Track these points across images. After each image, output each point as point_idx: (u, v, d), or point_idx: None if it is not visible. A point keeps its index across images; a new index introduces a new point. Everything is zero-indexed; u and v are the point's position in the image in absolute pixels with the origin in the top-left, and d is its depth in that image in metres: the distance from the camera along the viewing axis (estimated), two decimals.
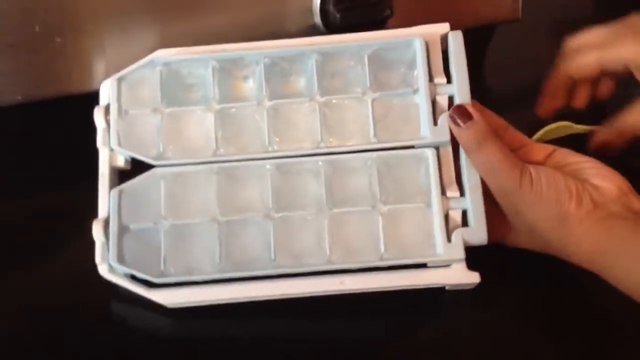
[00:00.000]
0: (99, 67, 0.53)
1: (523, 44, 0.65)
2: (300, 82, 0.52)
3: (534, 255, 0.51)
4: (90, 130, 0.52)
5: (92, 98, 0.52)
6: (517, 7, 0.61)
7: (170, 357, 0.49)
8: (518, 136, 0.52)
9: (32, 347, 0.49)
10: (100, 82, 0.51)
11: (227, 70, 0.52)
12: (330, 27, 0.53)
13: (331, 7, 0.53)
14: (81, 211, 0.52)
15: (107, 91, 0.52)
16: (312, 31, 0.50)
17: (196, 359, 0.49)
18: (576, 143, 0.53)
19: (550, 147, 0.51)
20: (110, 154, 0.51)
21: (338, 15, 0.52)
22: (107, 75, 0.52)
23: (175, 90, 0.52)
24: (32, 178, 0.56)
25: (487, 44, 0.65)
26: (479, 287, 0.49)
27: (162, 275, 0.48)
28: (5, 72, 0.51)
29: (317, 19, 0.54)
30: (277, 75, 0.52)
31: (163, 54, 0.52)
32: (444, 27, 0.52)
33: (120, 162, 0.51)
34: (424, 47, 0.51)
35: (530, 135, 0.55)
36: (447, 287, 0.50)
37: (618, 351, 0.50)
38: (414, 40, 0.51)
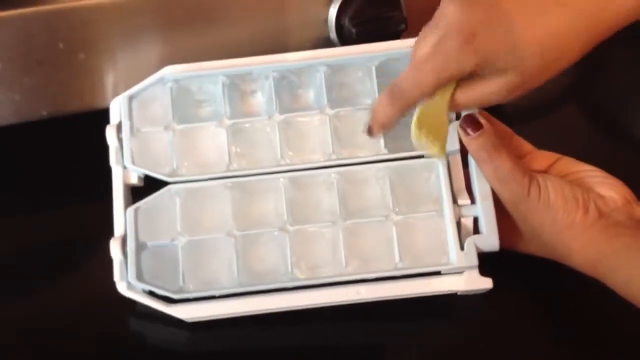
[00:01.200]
0: (116, 82, 0.53)
1: None
2: (310, 95, 0.53)
3: (543, 260, 0.52)
4: (100, 146, 0.52)
5: (103, 114, 0.53)
6: None
7: None
8: (523, 144, 0.53)
9: None
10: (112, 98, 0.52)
11: (236, 85, 0.53)
12: (346, 41, 0.53)
13: (346, 22, 0.54)
14: (94, 229, 0.53)
15: (117, 109, 0.52)
16: (327, 46, 0.51)
17: None
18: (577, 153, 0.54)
19: (554, 156, 0.52)
20: (123, 171, 0.51)
21: (354, 30, 0.53)
22: (117, 91, 0.53)
23: (185, 107, 0.52)
24: (45, 197, 0.57)
25: None
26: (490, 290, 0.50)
27: (181, 291, 0.48)
28: (32, 88, 0.52)
29: (333, 34, 0.55)
30: (286, 88, 0.52)
31: (172, 70, 0.52)
32: None
33: (134, 180, 0.51)
34: None
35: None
36: (459, 293, 0.51)
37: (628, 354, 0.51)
38: None
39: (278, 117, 0.51)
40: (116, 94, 0.52)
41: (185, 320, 0.49)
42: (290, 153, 0.51)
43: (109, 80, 0.53)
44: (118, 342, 0.51)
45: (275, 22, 0.54)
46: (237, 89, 0.53)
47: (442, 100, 0.47)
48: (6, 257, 0.54)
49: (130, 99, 0.52)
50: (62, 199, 0.56)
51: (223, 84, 0.52)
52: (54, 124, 0.54)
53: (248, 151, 0.51)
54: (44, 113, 0.53)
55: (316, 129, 0.52)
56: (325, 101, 0.52)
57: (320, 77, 0.52)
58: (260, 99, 0.53)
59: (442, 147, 0.49)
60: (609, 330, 0.52)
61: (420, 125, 0.47)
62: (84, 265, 0.54)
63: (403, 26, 0.54)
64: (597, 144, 0.58)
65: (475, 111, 0.50)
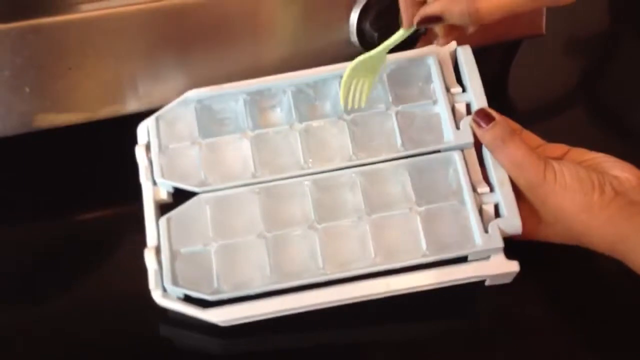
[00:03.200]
0: (146, 88, 0.56)
1: (546, 59, 0.69)
2: (326, 106, 0.56)
3: (562, 250, 0.53)
4: (127, 153, 0.55)
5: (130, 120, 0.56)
6: (541, 23, 0.64)
7: None
8: (533, 138, 0.55)
9: None
10: (141, 104, 0.55)
11: (256, 102, 0.55)
12: (367, 45, 0.55)
13: (367, 26, 0.56)
14: (122, 240, 0.55)
15: (144, 130, 0.55)
16: (349, 51, 0.53)
17: None
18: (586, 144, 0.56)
19: (565, 147, 0.54)
20: (153, 188, 0.53)
21: (375, 34, 0.54)
22: (143, 96, 0.56)
23: (209, 124, 0.55)
24: (71, 204, 0.58)
25: (512, 59, 0.69)
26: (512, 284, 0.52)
27: (217, 292, 0.49)
28: (62, 93, 0.54)
29: (354, 38, 0.57)
30: (303, 101, 0.55)
31: (195, 93, 0.55)
32: (452, 45, 0.56)
33: (163, 196, 0.53)
34: (437, 63, 0.55)
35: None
36: (487, 283, 0.52)
37: None
38: (428, 57, 0.55)
39: (298, 126, 0.54)
40: (142, 99, 0.55)
41: (220, 324, 0.50)
42: (311, 160, 0.53)
43: (137, 86, 0.56)
44: (146, 350, 0.52)
45: (298, 29, 0.57)
46: (257, 105, 0.55)
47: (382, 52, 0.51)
48: (25, 265, 0.55)
49: (158, 120, 0.55)
50: (88, 207, 0.58)
51: (244, 101, 0.55)
52: (82, 130, 0.56)
53: (272, 159, 0.54)
54: (74, 119, 0.55)
55: (335, 135, 0.54)
56: (342, 109, 0.54)
57: (335, 88, 0.55)
58: (279, 113, 0.56)
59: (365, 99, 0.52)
60: (629, 314, 0.53)
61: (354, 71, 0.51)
62: (112, 276, 0.55)
63: (422, 29, 0.56)
64: (605, 142, 0.60)
65: (485, 106, 0.53)
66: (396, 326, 0.53)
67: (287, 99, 0.55)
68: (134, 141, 0.55)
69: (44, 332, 0.52)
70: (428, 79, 0.55)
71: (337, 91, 0.55)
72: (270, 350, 0.52)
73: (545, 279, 0.55)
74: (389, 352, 0.52)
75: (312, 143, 0.54)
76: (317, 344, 0.52)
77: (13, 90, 0.53)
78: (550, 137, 0.56)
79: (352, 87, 0.53)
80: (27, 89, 0.53)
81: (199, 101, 0.55)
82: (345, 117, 0.54)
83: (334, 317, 0.51)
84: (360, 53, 0.53)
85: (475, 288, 0.52)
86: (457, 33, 0.52)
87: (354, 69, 0.52)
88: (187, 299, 0.51)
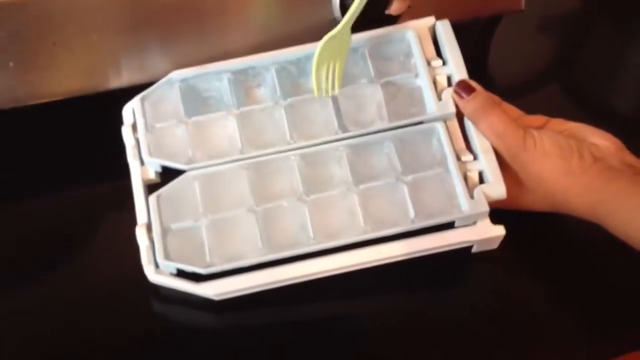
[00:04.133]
0: (130, 64, 0.56)
1: (525, 36, 0.71)
2: (310, 82, 0.56)
3: (546, 220, 0.54)
4: (115, 132, 0.55)
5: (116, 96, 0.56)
6: None
7: (216, 349, 0.51)
8: (513, 109, 0.57)
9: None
10: (124, 80, 0.55)
11: (240, 81, 0.56)
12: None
13: (350, 1, 0.55)
14: (110, 219, 0.56)
15: (130, 111, 0.55)
16: (334, 27, 0.53)
17: (242, 350, 0.51)
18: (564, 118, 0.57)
19: (544, 118, 0.56)
20: (141, 168, 0.54)
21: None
22: (127, 72, 0.56)
23: (194, 103, 0.55)
24: (55, 182, 0.58)
25: (492, 35, 0.70)
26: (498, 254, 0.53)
27: (209, 266, 0.50)
28: (46, 68, 0.54)
29: (338, 14, 0.58)
30: (287, 79, 0.56)
31: (178, 74, 0.56)
32: (430, 20, 0.57)
33: (151, 175, 0.54)
34: (416, 37, 0.56)
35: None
36: (473, 249, 0.53)
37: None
38: (407, 32, 0.57)
39: (283, 103, 0.55)
40: (127, 75, 0.56)
41: (214, 297, 0.50)
42: (296, 135, 0.54)
43: (122, 60, 0.56)
44: (142, 330, 0.52)
45: (282, 7, 0.58)
46: (241, 84, 0.56)
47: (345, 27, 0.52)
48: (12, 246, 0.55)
49: (143, 100, 0.55)
50: (73, 184, 0.58)
51: (228, 80, 0.55)
52: (66, 106, 0.56)
53: (258, 136, 0.54)
54: (58, 94, 0.56)
55: (319, 111, 0.55)
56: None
57: None
58: (263, 91, 0.56)
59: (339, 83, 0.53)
60: (612, 282, 0.54)
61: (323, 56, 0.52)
62: (103, 255, 0.55)
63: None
64: (581, 116, 0.61)
65: (466, 77, 0.54)
66: (388, 297, 0.54)
67: (271, 76, 0.56)
68: (117, 118, 0.55)
69: (33, 312, 0.52)
70: (409, 54, 0.57)
71: None
72: (265, 324, 0.52)
73: (531, 249, 0.56)
74: (381, 323, 0.53)
75: (298, 119, 0.54)
76: (310, 317, 0.53)
77: None
78: (529, 111, 0.57)
79: (324, 74, 0.54)
80: (11, 64, 0.53)
81: (183, 81, 0.55)
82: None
83: (326, 290, 0.52)
84: None
85: (462, 260, 0.53)
86: None
87: (321, 54, 0.53)
88: (180, 275, 0.51)
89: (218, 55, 0.57)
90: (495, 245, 0.53)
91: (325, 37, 0.53)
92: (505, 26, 0.70)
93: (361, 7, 0.53)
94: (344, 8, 0.57)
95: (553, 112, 0.57)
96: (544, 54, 0.70)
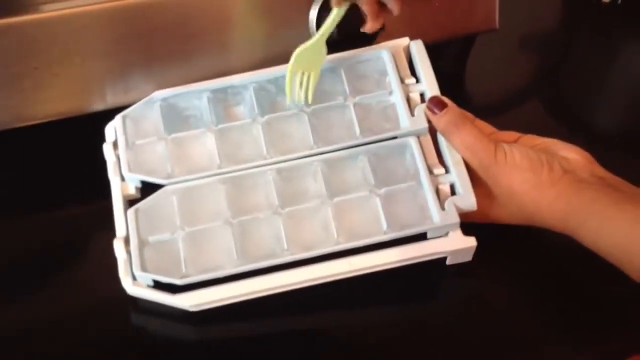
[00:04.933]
0: (113, 87, 0.58)
1: (501, 53, 0.73)
2: (287, 101, 0.58)
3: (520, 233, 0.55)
4: (96, 150, 0.56)
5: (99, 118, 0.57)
6: (494, 18, 0.67)
7: None
8: (485, 126, 0.58)
9: None
10: (108, 102, 0.57)
11: (219, 100, 0.58)
12: (327, 41, 0.56)
13: None
14: (90, 233, 0.57)
15: (112, 130, 0.57)
16: None
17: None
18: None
19: (516, 134, 0.57)
20: (121, 184, 0.55)
21: (334, 30, 0.56)
22: (111, 94, 0.58)
23: (175, 121, 0.57)
24: (38, 200, 0.59)
25: (467, 54, 0.72)
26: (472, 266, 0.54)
27: (185, 276, 0.51)
28: (28, 92, 0.56)
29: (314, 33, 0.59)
30: (265, 97, 0.58)
31: (160, 94, 0.57)
32: (404, 40, 0.59)
33: (131, 191, 0.55)
34: (391, 56, 0.58)
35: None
36: (448, 261, 0.54)
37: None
38: (382, 51, 0.58)
39: (261, 120, 0.56)
40: (109, 97, 0.57)
41: (190, 309, 0.51)
42: (273, 150, 0.55)
43: (104, 83, 0.58)
44: (120, 342, 0.52)
45: (259, 29, 0.59)
46: (220, 102, 0.58)
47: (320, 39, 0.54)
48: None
49: (124, 118, 0.57)
50: (56, 203, 0.59)
51: (208, 98, 0.57)
52: (50, 128, 0.58)
53: (236, 152, 0.56)
54: (41, 117, 0.57)
55: (296, 128, 0.56)
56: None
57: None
58: (242, 110, 0.58)
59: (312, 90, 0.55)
60: (587, 290, 0.55)
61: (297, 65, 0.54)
62: (82, 268, 0.56)
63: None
64: (557, 135, 0.63)
65: (438, 94, 0.56)
66: (365, 309, 0.54)
67: (250, 95, 0.57)
68: (101, 139, 0.57)
69: (14, 330, 0.53)
70: (383, 72, 0.58)
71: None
72: (243, 336, 0.52)
73: (506, 261, 0.57)
74: (358, 334, 0.53)
75: (275, 135, 0.56)
76: (287, 329, 0.53)
77: None
78: (505, 128, 0.58)
79: (298, 82, 0.56)
80: None
81: (164, 99, 0.57)
82: (306, 109, 0.57)
83: (303, 302, 0.53)
84: None
85: (437, 274, 0.54)
86: (385, 15, 0.55)
87: (295, 63, 0.55)
88: (157, 287, 0.52)
89: (200, 76, 0.59)
90: (469, 258, 0.54)
91: (300, 47, 0.55)
92: (481, 44, 0.71)
93: (335, 23, 0.55)
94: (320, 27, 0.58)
95: (529, 128, 0.58)
96: (520, 72, 0.72)
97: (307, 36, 0.60)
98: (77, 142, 0.59)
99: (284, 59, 0.57)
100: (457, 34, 0.67)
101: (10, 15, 0.53)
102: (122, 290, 0.52)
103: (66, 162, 0.61)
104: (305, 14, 0.60)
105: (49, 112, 0.57)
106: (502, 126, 0.59)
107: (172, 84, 0.58)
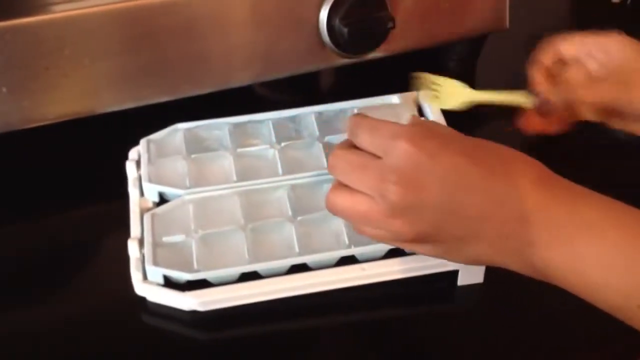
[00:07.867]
0: (123, 88, 0.59)
1: (511, 53, 0.74)
2: (304, 136, 0.61)
3: None
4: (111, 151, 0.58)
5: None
6: (504, 18, 0.68)
7: None
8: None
9: None
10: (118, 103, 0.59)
11: (239, 132, 0.61)
12: (338, 42, 0.58)
13: (337, 23, 0.59)
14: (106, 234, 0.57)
15: (135, 153, 0.59)
16: (321, 50, 0.56)
17: None
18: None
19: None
20: (140, 199, 0.57)
21: (345, 30, 0.57)
22: (118, 105, 0.59)
23: (196, 148, 0.60)
24: (49, 201, 0.60)
25: (478, 54, 0.73)
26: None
27: (196, 272, 0.51)
28: (39, 93, 0.57)
29: (325, 36, 0.61)
30: (283, 131, 0.61)
31: (182, 125, 0.61)
32: (414, 93, 0.64)
33: (149, 204, 0.57)
34: (401, 100, 0.63)
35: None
36: (459, 282, 0.54)
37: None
38: (392, 97, 0.63)
39: (277, 147, 0.59)
40: (119, 97, 0.59)
41: (199, 308, 0.51)
42: (288, 170, 0.57)
43: (114, 84, 0.59)
44: (129, 344, 0.51)
45: (269, 29, 0.61)
46: (240, 135, 0.61)
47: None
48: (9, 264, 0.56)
49: (148, 142, 0.60)
50: (68, 203, 0.60)
51: (229, 130, 0.61)
52: (63, 128, 0.59)
53: (252, 172, 0.58)
54: (52, 117, 0.58)
55: (310, 153, 0.59)
56: (317, 133, 0.60)
57: (312, 121, 0.61)
58: (260, 142, 0.61)
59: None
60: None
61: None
62: (95, 269, 0.56)
63: (391, 24, 0.60)
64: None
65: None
66: (373, 314, 0.53)
67: (268, 129, 0.61)
68: (113, 139, 0.59)
69: (26, 331, 0.52)
70: (396, 115, 0.62)
71: (314, 123, 0.61)
72: (250, 340, 0.51)
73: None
74: (365, 340, 0.52)
75: (290, 159, 0.58)
76: (295, 332, 0.52)
77: None
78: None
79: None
80: (5, 89, 0.55)
81: (188, 129, 0.61)
82: (321, 140, 0.60)
83: (311, 308, 0.52)
84: (332, 54, 0.58)
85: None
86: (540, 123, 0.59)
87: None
88: (167, 285, 0.52)
89: (207, 77, 0.61)
90: (480, 279, 0.54)
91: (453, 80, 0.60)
92: (491, 44, 0.72)
93: (505, 103, 0.59)
94: (331, 30, 0.60)
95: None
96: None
97: (316, 39, 0.61)
98: (89, 143, 0.61)
99: (293, 61, 0.60)
100: (467, 34, 0.68)
101: (21, 16, 0.53)
102: (132, 294, 0.52)
103: (77, 163, 0.62)
104: (314, 15, 0.60)
105: (60, 113, 0.58)
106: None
107: (182, 84, 0.60)
